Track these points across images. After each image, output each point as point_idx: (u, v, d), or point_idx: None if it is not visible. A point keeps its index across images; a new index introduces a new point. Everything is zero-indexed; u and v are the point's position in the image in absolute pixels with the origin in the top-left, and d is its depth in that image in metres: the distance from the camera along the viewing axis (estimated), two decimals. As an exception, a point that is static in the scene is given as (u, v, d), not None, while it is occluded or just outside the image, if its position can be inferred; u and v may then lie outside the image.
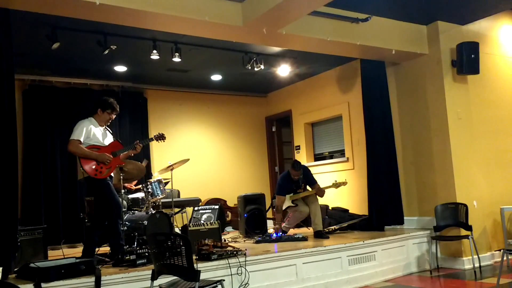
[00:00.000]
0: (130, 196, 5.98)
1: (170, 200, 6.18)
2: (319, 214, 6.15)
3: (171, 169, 6.12)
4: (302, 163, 6.57)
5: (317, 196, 6.30)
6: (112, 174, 4.93)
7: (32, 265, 3.86)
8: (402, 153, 6.69)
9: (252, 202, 6.85)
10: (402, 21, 6.10)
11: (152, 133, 8.18)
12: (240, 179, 9.05)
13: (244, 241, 6.10)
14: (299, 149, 8.78)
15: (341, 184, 6.40)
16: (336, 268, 5.11)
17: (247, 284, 4.41)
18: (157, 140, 5.39)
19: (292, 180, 6.35)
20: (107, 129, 5.04)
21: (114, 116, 5.01)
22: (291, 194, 6.35)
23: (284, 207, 6.39)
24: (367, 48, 5.94)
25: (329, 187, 6.33)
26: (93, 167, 4.69)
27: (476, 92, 6.40)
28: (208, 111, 9.01)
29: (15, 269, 4.09)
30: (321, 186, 6.32)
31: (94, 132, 4.82)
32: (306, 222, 6.85)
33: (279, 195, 6.37)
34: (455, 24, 6.26)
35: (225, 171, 9.00)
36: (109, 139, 5.01)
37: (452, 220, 5.76)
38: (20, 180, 6.34)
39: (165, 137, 5.43)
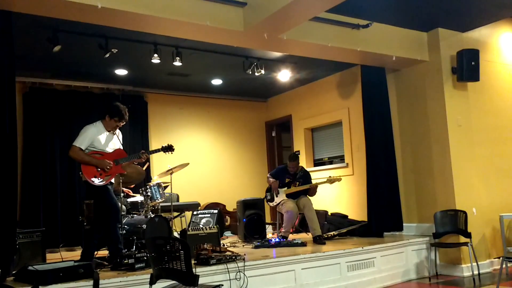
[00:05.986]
0: (129, 199, 5.97)
1: (169, 204, 6.17)
2: (316, 219, 6.17)
3: (171, 173, 6.12)
4: (304, 168, 6.77)
5: (310, 195, 6.44)
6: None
7: (30, 268, 3.85)
8: (401, 160, 6.69)
9: (251, 207, 6.83)
10: (402, 28, 6.12)
11: (152, 137, 8.22)
12: (240, 184, 9.05)
13: (243, 246, 6.09)
14: (298, 154, 8.77)
15: (335, 179, 6.44)
16: (334, 274, 5.10)
17: (245, 289, 4.41)
18: (164, 152, 5.26)
19: (288, 171, 6.56)
20: (116, 135, 4.97)
21: (121, 124, 4.93)
22: (285, 188, 6.49)
23: (278, 201, 6.49)
24: (367, 54, 5.96)
25: (323, 182, 6.47)
26: (93, 173, 4.67)
27: (476, 99, 6.41)
28: (208, 115, 9.02)
29: (13, 272, 4.08)
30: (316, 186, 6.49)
31: (99, 139, 4.78)
32: (305, 227, 6.84)
33: (270, 175, 6.74)
34: (455, 31, 6.28)
35: (224, 176, 9.00)
36: (115, 144, 4.95)
37: (451, 227, 5.75)
38: (19, 183, 6.35)
39: (173, 149, 5.33)
